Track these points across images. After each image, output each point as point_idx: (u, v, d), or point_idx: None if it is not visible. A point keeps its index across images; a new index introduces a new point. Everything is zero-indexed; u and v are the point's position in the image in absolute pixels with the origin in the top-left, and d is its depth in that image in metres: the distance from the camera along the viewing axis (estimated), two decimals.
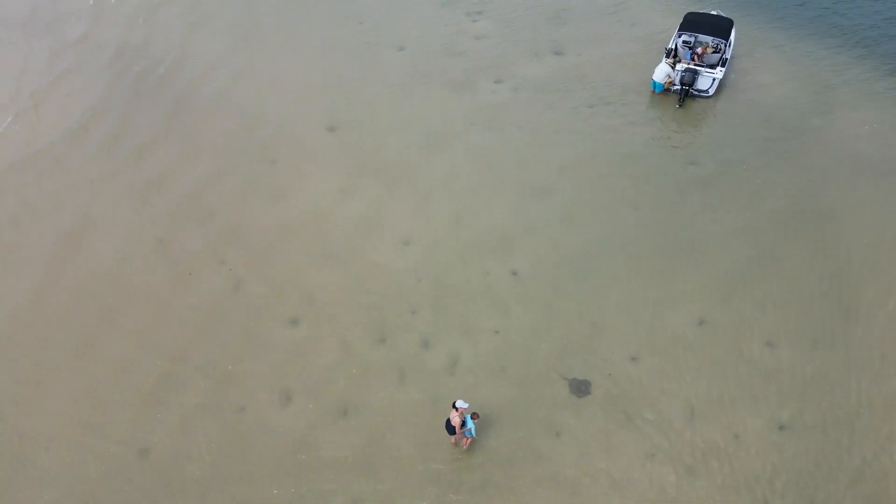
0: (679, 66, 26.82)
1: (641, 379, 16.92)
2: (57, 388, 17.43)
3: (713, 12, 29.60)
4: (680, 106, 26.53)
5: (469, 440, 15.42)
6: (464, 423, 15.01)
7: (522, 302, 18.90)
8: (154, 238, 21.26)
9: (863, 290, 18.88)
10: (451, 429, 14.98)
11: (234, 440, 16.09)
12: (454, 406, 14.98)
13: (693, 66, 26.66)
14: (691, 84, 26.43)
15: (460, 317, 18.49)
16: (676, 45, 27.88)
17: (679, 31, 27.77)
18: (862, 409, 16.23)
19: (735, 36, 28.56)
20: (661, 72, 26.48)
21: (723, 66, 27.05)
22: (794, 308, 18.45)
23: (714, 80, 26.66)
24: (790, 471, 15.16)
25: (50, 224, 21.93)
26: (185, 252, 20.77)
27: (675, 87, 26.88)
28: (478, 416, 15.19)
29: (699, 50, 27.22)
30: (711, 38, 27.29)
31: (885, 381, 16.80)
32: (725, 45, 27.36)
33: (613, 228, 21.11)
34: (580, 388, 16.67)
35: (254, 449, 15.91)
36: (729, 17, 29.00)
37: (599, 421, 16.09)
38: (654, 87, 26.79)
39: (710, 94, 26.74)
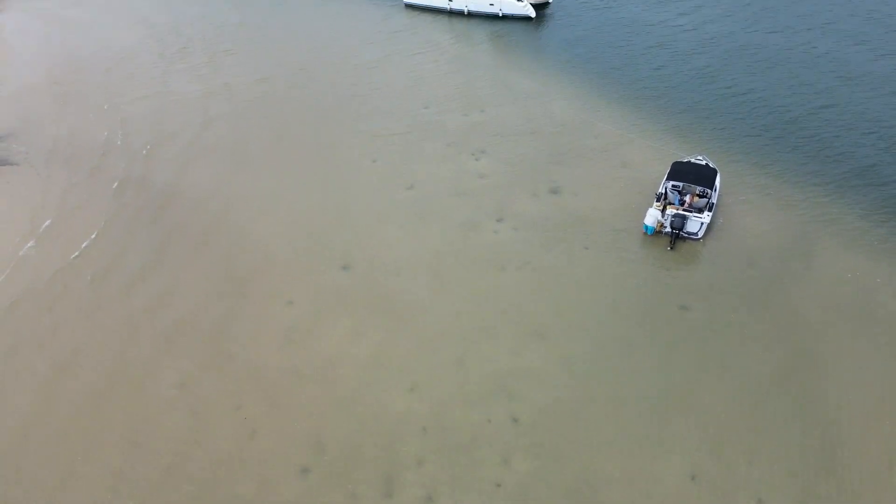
0: (669, 212, 28.85)
1: None
2: None
3: (699, 157, 32.09)
4: (671, 248, 28.26)
5: None
6: None
7: (522, 453, 19.68)
8: (174, 383, 22.45)
9: (847, 443, 19.72)
10: None
11: None
12: None
13: (682, 212, 28.67)
14: (681, 228, 28.34)
15: (463, 469, 19.23)
16: (666, 189, 30.11)
17: (667, 178, 30.11)
18: None
19: (720, 181, 30.85)
20: (652, 217, 28.44)
21: (710, 210, 29.09)
22: (783, 463, 19.21)
23: (702, 224, 28.54)
24: None
25: (47, 354, 23.24)
26: (203, 398, 21.88)
27: (667, 230, 28.80)
28: None
29: (688, 199, 29.35)
30: (698, 186, 29.54)
31: None
32: (711, 191, 29.54)
33: (608, 376, 22.14)
34: None
35: None
36: (714, 165, 31.43)
37: None
38: (646, 230, 28.68)
39: (699, 237, 28.57)
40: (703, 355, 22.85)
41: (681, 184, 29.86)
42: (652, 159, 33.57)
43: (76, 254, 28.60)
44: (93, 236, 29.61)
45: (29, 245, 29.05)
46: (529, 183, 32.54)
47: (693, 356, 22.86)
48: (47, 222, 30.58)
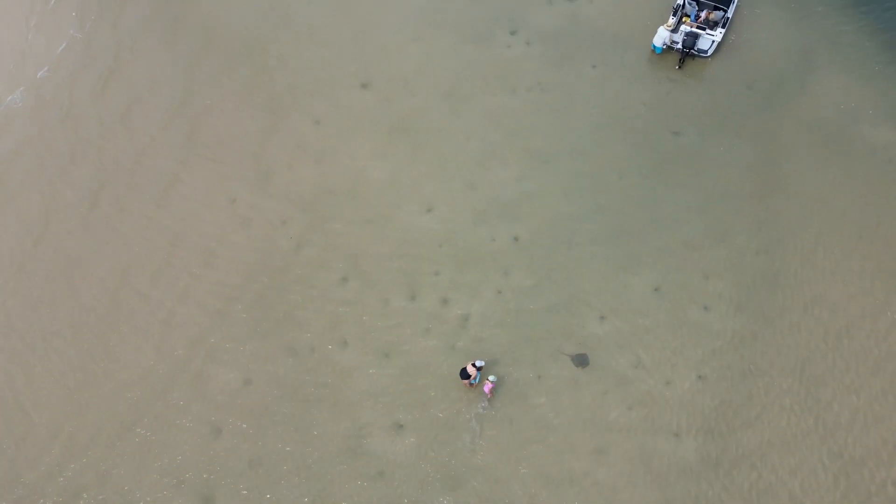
0: (683, 28, 28.98)
1: (604, 337, 22.62)
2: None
3: None
4: (680, 67, 29.16)
5: (489, 387, 21.48)
6: (469, 374, 21.12)
7: (520, 266, 24.05)
8: (227, 198, 26.02)
9: (791, 260, 23.79)
10: (464, 374, 21.09)
11: (310, 373, 22.36)
12: (473, 364, 21.00)
13: (695, 30, 28.83)
14: (692, 46, 28.86)
15: (471, 278, 23.80)
16: (685, 1, 29.67)
17: None
18: (770, 365, 22.02)
19: None
20: (660, 37, 28.85)
21: (723, 27, 29.17)
22: (732, 278, 23.53)
23: (713, 41, 29.00)
24: (702, 414, 21.36)
25: None
26: (252, 213, 25.67)
27: (677, 47, 29.29)
28: (480, 368, 21.25)
29: (704, 14, 29.12)
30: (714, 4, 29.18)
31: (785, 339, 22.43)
32: (729, 6, 29.18)
33: (599, 198, 25.49)
34: (581, 361, 22.33)
35: (327, 382, 22.21)
36: None
37: (570, 369, 22.06)
38: (655, 49, 29.25)
39: (709, 54, 29.23)
40: (686, 181, 25.84)
41: (696, 2, 29.43)
42: None
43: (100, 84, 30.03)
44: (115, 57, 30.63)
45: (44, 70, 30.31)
46: None
47: (677, 181, 25.84)
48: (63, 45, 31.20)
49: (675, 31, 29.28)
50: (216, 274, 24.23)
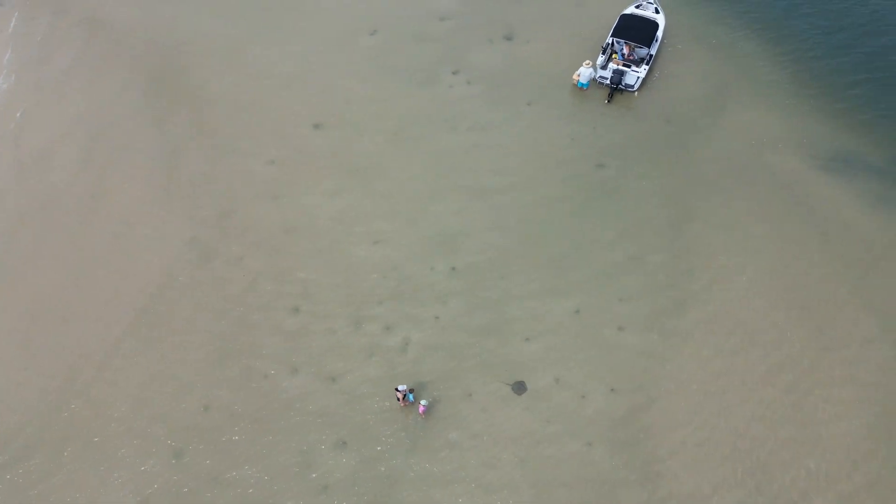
0: (611, 66, 31.47)
1: (529, 357, 25.02)
2: None
3: (650, 1, 33.27)
4: (609, 101, 31.62)
5: (423, 408, 23.83)
6: (406, 396, 23.45)
7: (456, 294, 26.41)
8: (186, 238, 28.33)
9: (699, 294, 26.24)
10: (401, 395, 23.47)
11: (258, 399, 24.67)
12: (396, 389, 23.36)
13: (621, 68, 31.32)
14: (619, 82, 31.33)
15: (412, 306, 26.15)
16: (613, 41, 32.14)
17: (612, 34, 31.99)
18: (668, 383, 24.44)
19: (664, 29, 32.70)
20: (585, 75, 31.27)
21: (647, 63, 31.67)
22: (646, 301, 25.93)
23: (638, 77, 31.52)
24: (612, 424, 23.76)
25: None
26: (210, 249, 27.97)
27: (605, 82, 31.74)
28: (412, 390, 23.63)
29: (625, 50, 31.61)
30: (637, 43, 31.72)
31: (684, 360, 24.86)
32: (650, 46, 31.68)
33: (528, 229, 27.88)
34: (520, 388, 24.67)
35: (278, 405, 24.52)
36: (660, 11, 33.06)
37: (498, 387, 24.42)
38: (581, 85, 31.69)
39: (636, 89, 31.74)
40: (608, 211, 28.26)
41: (622, 40, 31.96)
42: None
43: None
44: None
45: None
46: (487, 26, 34.49)
47: (599, 212, 28.25)
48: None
49: (604, 67, 31.81)
50: (173, 308, 26.55)
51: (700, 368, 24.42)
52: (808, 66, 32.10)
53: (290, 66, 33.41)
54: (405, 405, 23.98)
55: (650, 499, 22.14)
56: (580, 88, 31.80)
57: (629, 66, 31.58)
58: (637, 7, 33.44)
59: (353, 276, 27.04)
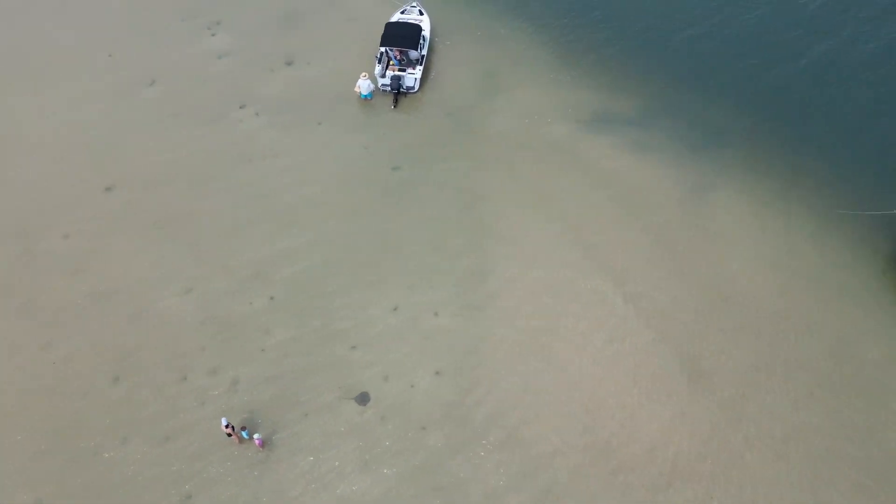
0: (388, 73, 33.05)
1: (359, 362, 26.06)
2: None
3: (413, 4, 35.27)
4: (395, 107, 33.18)
5: (259, 441, 24.06)
6: (240, 433, 23.70)
7: (279, 322, 26.82)
8: None
9: (494, 256, 28.45)
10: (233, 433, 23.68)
11: (93, 480, 23.91)
12: (223, 425, 23.49)
13: (398, 73, 32.99)
14: (399, 87, 32.97)
15: (236, 345, 26.27)
16: (385, 51, 33.75)
17: (381, 43, 33.35)
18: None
19: (431, 29, 34.71)
20: (365, 87, 32.68)
21: (421, 64, 33.59)
22: (450, 280, 27.77)
23: (416, 78, 33.28)
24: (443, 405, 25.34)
25: None
26: (9, 341, 26.60)
27: (387, 89, 33.28)
28: (245, 427, 23.92)
29: (395, 53, 33.36)
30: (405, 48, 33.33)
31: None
32: (420, 47, 33.60)
33: (339, 242, 28.71)
34: (363, 398, 25.45)
35: (115, 482, 23.87)
36: (423, 13, 34.98)
37: (332, 402, 25.22)
38: (365, 96, 33.09)
39: (416, 90, 33.49)
40: (409, 209, 29.73)
41: (395, 49, 33.57)
42: (372, 7, 36.57)
43: None
44: None
45: None
46: (267, 55, 35.03)
47: (402, 211, 29.65)
48: None
49: (383, 76, 33.37)
50: None
51: (512, 328, 26.51)
52: (565, 43, 35.28)
53: (68, 132, 32.20)
54: (240, 442, 24.17)
55: (490, 471, 23.82)
56: (365, 100, 33.17)
57: (405, 70, 33.36)
58: (402, 13, 35.37)
59: (169, 331, 26.66)
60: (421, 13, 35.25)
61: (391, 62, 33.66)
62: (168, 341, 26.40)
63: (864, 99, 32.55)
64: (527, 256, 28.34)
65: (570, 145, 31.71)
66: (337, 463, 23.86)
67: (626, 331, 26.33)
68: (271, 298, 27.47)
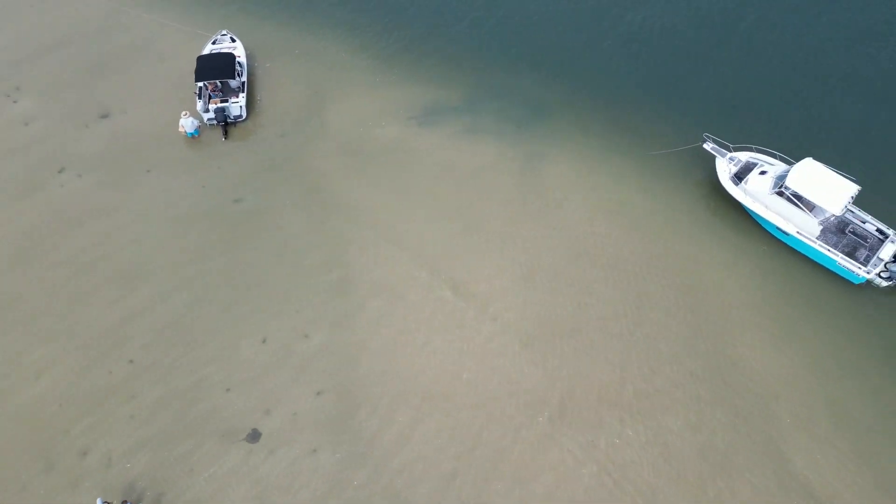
0: (211, 107, 32.24)
1: (234, 403, 25.53)
2: None
3: (223, 33, 34.61)
4: (226, 138, 32.46)
5: None
6: None
7: (144, 383, 25.58)
8: None
9: (351, 261, 28.76)
10: None
11: None
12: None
13: (220, 105, 32.28)
14: (225, 118, 32.30)
15: (103, 418, 24.82)
16: (203, 84, 32.90)
17: (196, 79, 32.48)
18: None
19: (246, 56, 34.27)
20: (189, 125, 31.79)
21: (243, 91, 33.07)
22: (319, 300, 27.79)
23: (240, 106, 32.72)
24: (328, 425, 25.37)
25: None
26: None
27: (213, 123, 32.52)
28: (126, 501, 22.84)
29: (209, 87, 32.69)
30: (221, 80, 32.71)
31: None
32: (238, 74, 33.07)
33: (196, 288, 27.77)
34: (254, 436, 24.78)
35: None
36: (235, 40, 34.55)
37: (215, 450, 24.57)
38: (191, 134, 32.19)
39: (244, 118, 32.94)
40: (259, 239, 29.24)
41: (210, 82, 32.85)
42: (182, 43, 35.55)
43: None
44: None
45: None
46: (78, 111, 33.21)
47: (252, 243, 29.11)
48: None
49: (206, 110, 32.55)
50: None
51: (382, 333, 26.82)
52: (383, 46, 35.97)
53: None
54: None
55: (386, 484, 24.12)
56: (193, 137, 32.23)
57: (227, 101, 32.72)
58: (214, 43, 34.62)
59: (25, 421, 24.74)
60: (233, 40, 34.66)
61: (211, 97, 32.85)
62: (25, 433, 24.53)
63: (664, 53, 35.70)
64: (389, 258, 28.84)
65: (408, 143, 32.46)
66: None
67: (483, 318, 27.60)
68: (131, 362, 26.18)
